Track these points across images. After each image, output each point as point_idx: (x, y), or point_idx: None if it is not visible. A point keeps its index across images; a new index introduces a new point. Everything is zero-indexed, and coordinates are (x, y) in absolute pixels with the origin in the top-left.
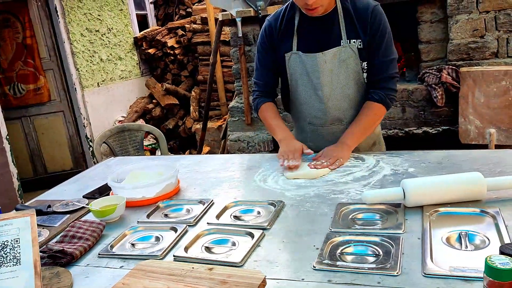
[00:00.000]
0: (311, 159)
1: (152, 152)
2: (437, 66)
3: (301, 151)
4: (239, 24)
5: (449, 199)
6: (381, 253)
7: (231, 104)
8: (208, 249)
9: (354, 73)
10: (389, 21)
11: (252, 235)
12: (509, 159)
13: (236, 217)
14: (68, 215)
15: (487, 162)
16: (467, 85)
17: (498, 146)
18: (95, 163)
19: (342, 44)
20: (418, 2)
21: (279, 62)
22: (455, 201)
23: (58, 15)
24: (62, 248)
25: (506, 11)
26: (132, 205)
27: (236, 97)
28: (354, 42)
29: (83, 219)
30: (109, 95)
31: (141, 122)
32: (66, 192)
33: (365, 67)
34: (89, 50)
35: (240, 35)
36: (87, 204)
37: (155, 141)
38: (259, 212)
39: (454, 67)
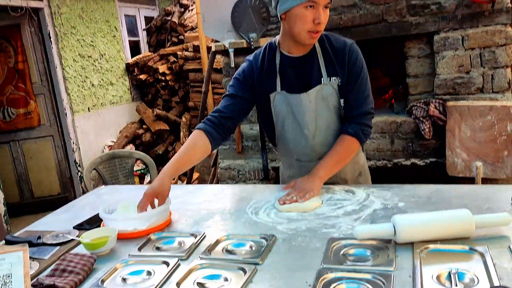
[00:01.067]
0: (281, 189)
1: (141, 178)
2: (425, 100)
3: (155, 196)
4: (231, 55)
5: (439, 236)
6: None
7: None
8: (200, 285)
9: (335, 109)
10: (378, 55)
11: (244, 270)
12: (497, 195)
13: (229, 251)
14: (58, 247)
15: (475, 198)
16: (453, 119)
17: (484, 179)
18: (83, 189)
19: (323, 82)
20: (406, 37)
21: (258, 102)
22: (444, 238)
23: (51, 41)
24: (53, 282)
25: (490, 48)
26: (123, 237)
27: None
28: (334, 79)
29: (73, 251)
30: (99, 120)
31: (131, 147)
32: (56, 222)
33: (343, 104)
34: (81, 75)
35: (233, 65)
36: (77, 236)
37: (144, 166)
38: (251, 246)
39: (441, 101)
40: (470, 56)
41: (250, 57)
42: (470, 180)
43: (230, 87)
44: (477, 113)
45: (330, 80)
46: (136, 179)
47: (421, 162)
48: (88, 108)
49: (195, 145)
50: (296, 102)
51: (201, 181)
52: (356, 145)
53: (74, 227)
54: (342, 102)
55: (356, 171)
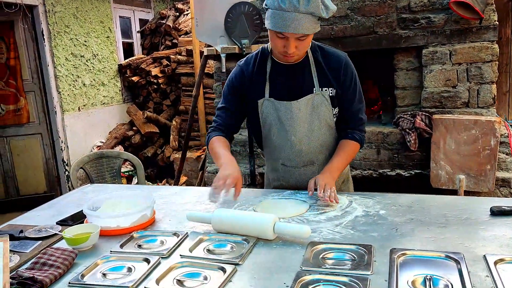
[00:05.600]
0: (308, 195)
1: (129, 179)
2: (412, 112)
3: (235, 179)
4: (223, 60)
5: (242, 232)
6: None
7: None
8: (179, 282)
9: (325, 118)
10: (368, 67)
11: (224, 270)
12: (476, 206)
13: (210, 251)
14: (40, 242)
15: (455, 208)
16: (439, 132)
17: (467, 192)
18: (70, 188)
19: (314, 91)
20: (395, 50)
21: (247, 106)
22: (247, 234)
23: (44, 39)
24: (32, 275)
25: (477, 64)
26: (106, 234)
27: None
28: (326, 90)
29: (55, 246)
30: (89, 120)
31: (119, 148)
32: (40, 218)
33: (336, 113)
34: (72, 74)
35: (224, 70)
36: (60, 231)
37: (132, 168)
38: (232, 247)
39: (427, 114)
40: (457, 71)
41: (242, 62)
42: (453, 192)
43: (223, 98)
44: (462, 127)
45: (322, 90)
46: (124, 180)
47: (406, 173)
48: (79, 108)
49: (224, 142)
50: (285, 109)
51: (189, 185)
52: (358, 149)
53: (57, 223)
54: (334, 111)
55: (341, 178)
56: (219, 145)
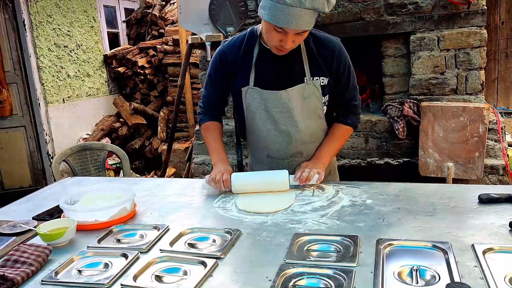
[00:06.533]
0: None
1: (117, 172)
2: (400, 100)
3: (229, 173)
4: (208, 48)
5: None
6: (333, 286)
7: (197, 127)
8: (158, 278)
9: (315, 108)
10: (356, 54)
11: (205, 264)
12: (464, 194)
13: (191, 245)
14: (14, 238)
15: (442, 196)
16: (427, 119)
17: (455, 180)
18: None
19: (306, 81)
20: (383, 37)
21: (231, 91)
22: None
23: (25, 29)
24: (2, 273)
25: (465, 50)
26: (83, 229)
27: None
28: (317, 79)
29: (29, 242)
30: (74, 111)
31: (106, 140)
32: (16, 212)
33: (326, 101)
34: (56, 65)
35: (209, 59)
36: (35, 227)
37: (119, 160)
38: (214, 240)
39: (415, 101)
40: (445, 57)
41: (226, 45)
42: (442, 180)
43: (208, 77)
44: (450, 114)
45: (313, 79)
46: (111, 173)
47: (395, 161)
48: (63, 100)
49: (219, 133)
50: (273, 98)
51: (177, 176)
52: (350, 134)
53: (33, 218)
54: (324, 99)
55: (327, 170)
56: (212, 136)
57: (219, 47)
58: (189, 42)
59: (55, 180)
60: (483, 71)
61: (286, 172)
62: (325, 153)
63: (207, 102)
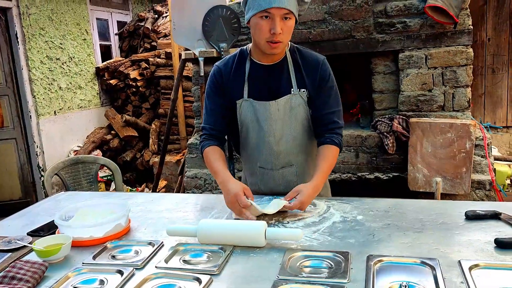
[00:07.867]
0: (285, 198)
1: (108, 184)
2: (389, 115)
3: (241, 195)
4: (201, 63)
5: (233, 242)
6: None
7: (190, 140)
8: None
9: (303, 119)
10: (346, 71)
11: (199, 281)
12: (452, 210)
13: (186, 261)
14: (9, 254)
15: (431, 212)
16: (416, 135)
17: (443, 195)
18: (45, 194)
19: (292, 92)
20: (372, 54)
21: (227, 107)
22: (238, 244)
23: (18, 41)
24: None
25: (452, 68)
26: (78, 245)
27: (195, 134)
28: (303, 91)
29: (25, 259)
30: (65, 124)
31: (98, 152)
32: (10, 228)
33: (310, 114)
34: (48, 77)
35: (202, 74)
36: (31, 242)
37: (111, 173)
38: (208, 257)
39: (404, 117)
40: (432, 74)
41: (219, 62)
42: (430, 195)
43: (208, 100)
44: (438, 130)
45: (299, 91)
46: (102, 185)
47: (385, 176)
48: (55, 112)
49: (221, 154)
50: (263, 109)
51: (169, 189)
52: (338, 154)
53: (28, 233)
54: (310, 112)
55: None
56: (213, 157)
57: (213, 67)
58: (183, 57)
59: (46, 194)
60: (469, 88)
61: (262, 225)
62: (320, 177)
63: (208, 127)
